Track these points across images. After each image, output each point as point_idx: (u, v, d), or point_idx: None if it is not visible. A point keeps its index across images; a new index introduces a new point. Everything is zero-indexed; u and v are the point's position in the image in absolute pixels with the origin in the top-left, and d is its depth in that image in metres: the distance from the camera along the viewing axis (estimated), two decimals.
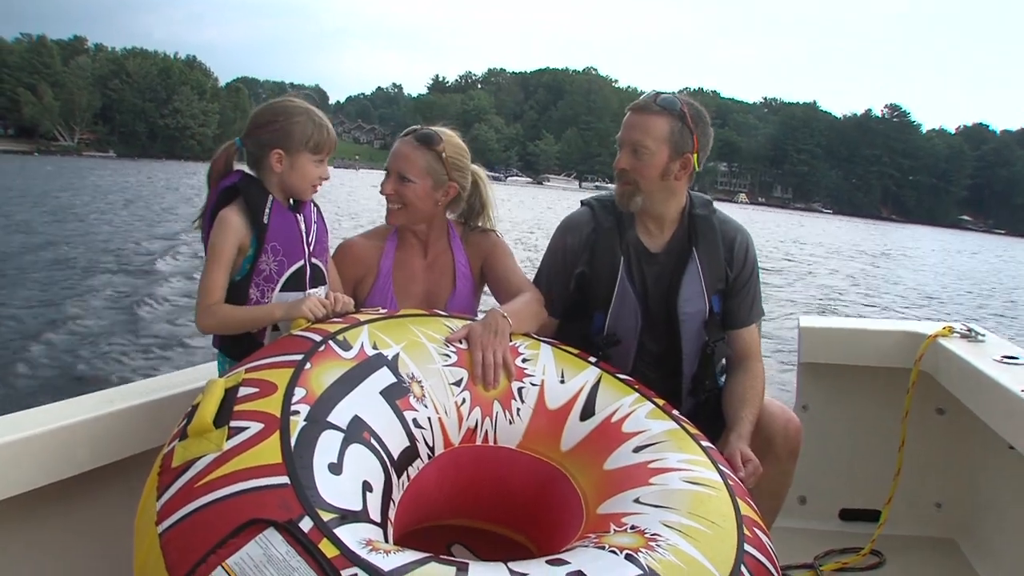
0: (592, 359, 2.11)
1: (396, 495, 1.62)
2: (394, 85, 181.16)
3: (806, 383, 3.12)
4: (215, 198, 2.07)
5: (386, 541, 1.45)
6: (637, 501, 1.68)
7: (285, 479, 1.39)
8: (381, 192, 2.32)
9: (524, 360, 2.01)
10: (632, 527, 1.59)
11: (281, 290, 2.06)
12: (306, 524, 1.32)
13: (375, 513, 1.48)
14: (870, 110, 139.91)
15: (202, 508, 1.36)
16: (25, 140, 73.83)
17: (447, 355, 1.92)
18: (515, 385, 1.95)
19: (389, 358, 1.81)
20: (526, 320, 2.15)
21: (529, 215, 37.12)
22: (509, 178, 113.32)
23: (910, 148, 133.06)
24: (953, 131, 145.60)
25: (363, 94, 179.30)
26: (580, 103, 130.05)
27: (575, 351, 2.13)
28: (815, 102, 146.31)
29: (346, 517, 1.38)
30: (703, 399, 2.37)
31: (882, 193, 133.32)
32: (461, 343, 1.96)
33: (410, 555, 1.35)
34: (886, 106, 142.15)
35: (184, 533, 1.34)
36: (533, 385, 1.97)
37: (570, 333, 2.30)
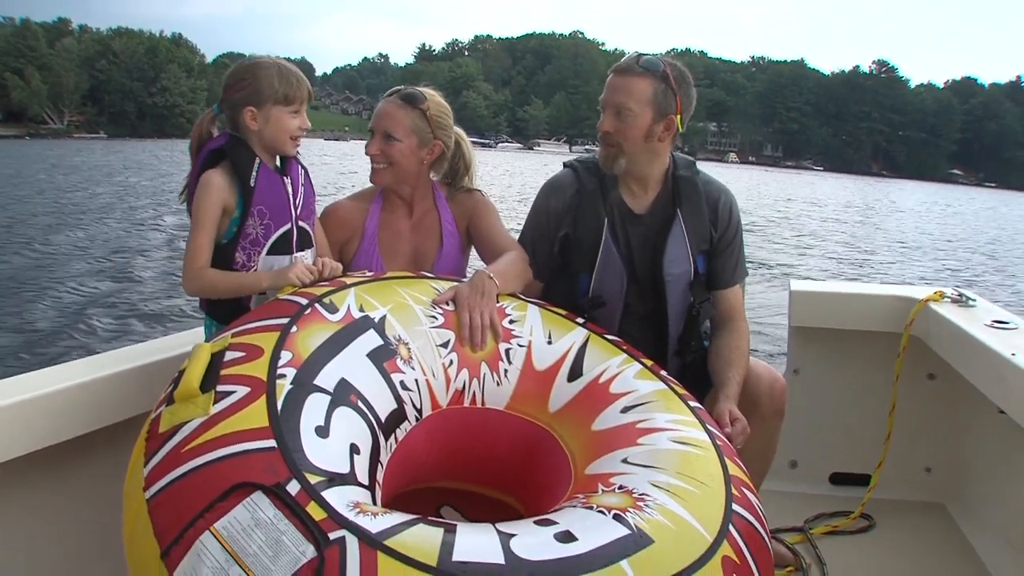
0: (580, 320, 2.11)
1: (384, 457, 1.62)
2: (380, 55, 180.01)
3: (797, 347, 3.13)
4: (201, 161, 2.05)
5: (374, 503, 1.45)
6: (625, 461, 1.69)
7: (272, 443, 1.38)
8: (366, 153, 2.31)
9: (511, 321, 2.01)
10: (620, 487, 1.60)
11: (268, 253, 2.05)
12: (293, 487, 1.32)
13: (363, 476, 1.48)
14: (858, 67, 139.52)
15: (189, 473, 1.36)
16: (14, 124, 73.06)
17: (434, 317, 1.91)
18: (502, 346, 1.95)
19: (376, 320, 1.80)
20: (512, 280, 2.14)
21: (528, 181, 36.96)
22: (499, 144, 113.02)
23: (899, 104, 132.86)
24: (942, 85, 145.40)
25: (349, 65, 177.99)
26: (568, 67, 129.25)
27: (563, 312, 2.12)
28: (803, 60, 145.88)
29: (333, 480, 1.38)
30: (689, 360, 2.38)
31: (872, 149, 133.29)
32: (448, 305, 1.96)
33: (398, 517, 1.35)
34: (874, 62, 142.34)
35: (172, 498, 1.34)
36: (520, 346, 1.96)
37: (555, 295, 2.29)
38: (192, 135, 2.11)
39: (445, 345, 1.88)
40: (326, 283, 1.92)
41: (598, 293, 2.31)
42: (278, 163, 2.12)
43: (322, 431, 1.47)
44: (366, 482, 1.48)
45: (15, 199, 20.81)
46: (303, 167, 2.18)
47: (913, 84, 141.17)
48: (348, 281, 1.93)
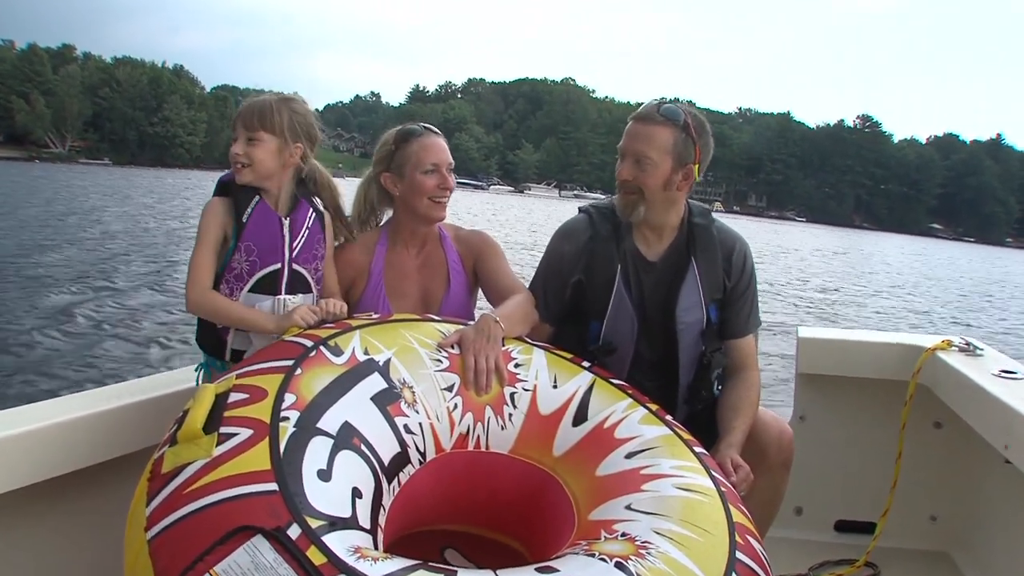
0: (586, 364, 2.10)
1: (387, 501, 1.62)
2: (372, 93, 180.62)
3: (804, 394, 3.12)
4: (215, 190, 2.14)
5: (375, 548, 1.45)
6: (629, 508, 1.68)
7: (274, 486, 1.39)
8: (443, 188, 2.34)
9: (517, 365, 2.00)
10: (623, 534, 1.59)
11: (251, 291, 2.07)
12: (294, 531, 1.32)
13: (364, 520, 1.47)
14: (843, 120, 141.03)
15: (191, 515, 1.36)
16: (15, 147, 74.18)
17: (439, 360, 1.91)
18: (507, 390, 1.94)
19: (380, 363, 1.80)
20: (518, 323, 2.14)
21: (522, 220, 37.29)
22: (491, 186, 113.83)
23: (882, 158, 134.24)
24: (924, 141, 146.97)
25: (341, 102, 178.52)
26: (559, 113, 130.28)
27: (568, 356, 2.12)
28: (789, 112, 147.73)
29: (335, 524, 1.38)
30: (698, 408, 2.35)
31: (854, 202, 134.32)
32: (453, 348, 1.96)
33: (399, 562, 1.34)
34: (858, 117, 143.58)
35: (172, 539, 1.34)
36: (526, 390, 1.96)
37: (565, 341, 2.28)
38: None
39: (450, 389, 1.88)
40: (331, 325, 1.92)
41: (609, 340, 2.29)
42: (293, 203, 2.15)
43: (324, 475, 1.47)
44: (368, 526, 1.47)
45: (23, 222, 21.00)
46: (317, 211, 2.20)
47: (896, 139, 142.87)
48: (353, 324, 1.93)
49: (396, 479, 1.68)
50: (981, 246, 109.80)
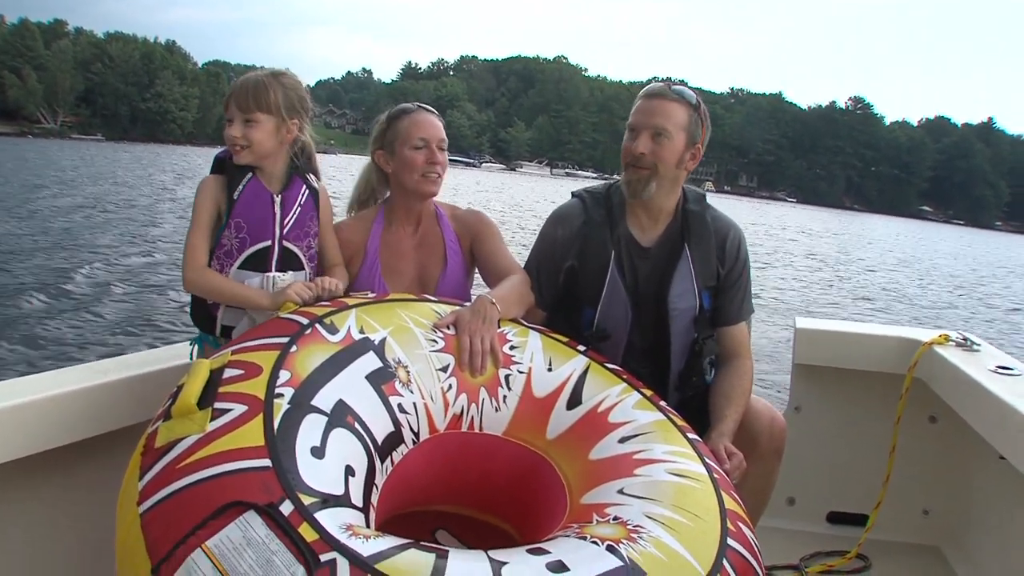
0: (581, 348, 2.10)
1: (379, 480, 1.62)
2: (364, 70, 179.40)
3: (799, 384, 3.13)
4: (212, 167, 2.13)
5: (368, 526, 1.45)
6: (621, 492, 1.68)
7: (267, 462, 1.39)
8: (432, 164, 2.33)
9: (512, 347, 2.00)
10: (615, 518, 1.59)
11: (240, 268, 2.07)
12: (286, 507, 1.32)
13: (357, 498, 1.48)
14: (835, 102, 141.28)
15: (183, 489, 1.36)
16: (6, 122, 73.69)
17: (434, 340, 1.91)
18: (502, 372, 1.94)
19: (376, 342, 1.80)
20: (514, 305, 2.14)
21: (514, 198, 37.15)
22: (483, 164, 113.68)
23: (873, 140, 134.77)
24: (915, 123, 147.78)
25: (332, 78, 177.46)
26: (551, 91, 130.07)
27: (564, 339, 2.12)
28: (781, 93, 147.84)
29: (327, 501, 1.38)
30: (689, 395, 2.35)
31: (845, 183, 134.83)
32: (448, 329, 1.95)
33: (390, 540, 1.35)
34: (850, 98, 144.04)
35: (165, 514, 1.35)
36: (520, 372, 1.96)
37: (558, 326, 2.27)
38: None
39: (444, 369, 1.88)
40: (327, 303, 1.92)
41: (602, 326, 2.29)
42: (287, 179, 2.14)
43: (318, 452, 1.47)
44: (360, 504, 1.48)
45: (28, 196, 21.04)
46: (312, 188, 2.19)
47: (888, 121, 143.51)
48: (350, 302, 1.93)
49: (389, 458, 1.68)
50: (971, 229, 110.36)
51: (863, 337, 3.07)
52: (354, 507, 1.44)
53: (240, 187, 2.07)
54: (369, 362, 1.74)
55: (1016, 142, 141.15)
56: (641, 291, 2.31)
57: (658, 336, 2.31)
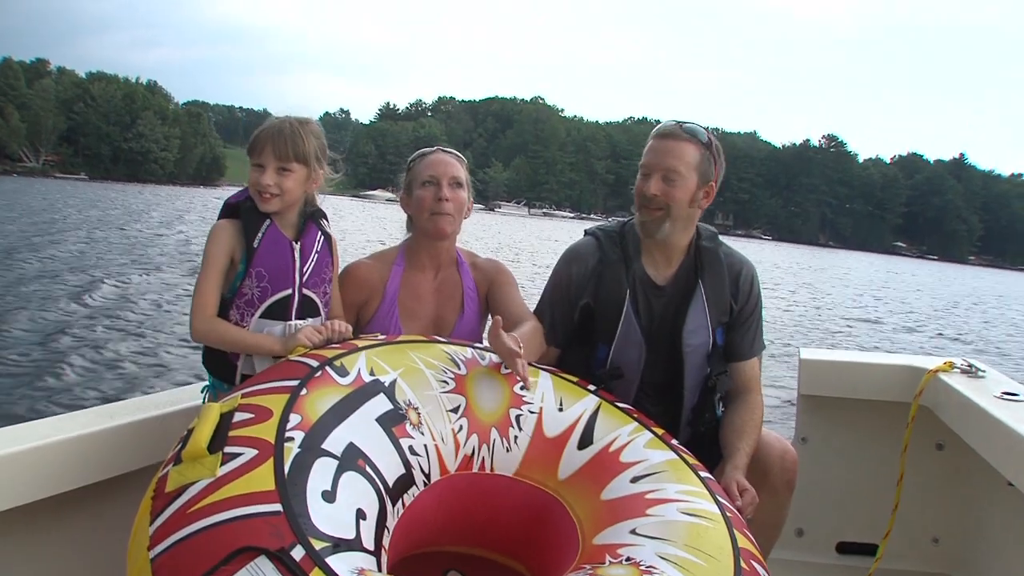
0: (591, 387, 2.10)
1: (391, 522, 1.61)
2: (341, 110, 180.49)
3: (805, 415, 3.12)
4: (221, 212, 2.10)
5: (379, 569, 1.44)
6: (634, 532, 1.68)
7: (278, 506, 1.38)
8: (439, 200, 2.29)
9: (523, 388, 2.00)
10: (628, 559, 1.58)
11: (262, 316, 2.05)
12: (298, 552, 1.31)
13: (368, 541, 1.47)
14: (808, 140, 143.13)
15: (194, 534, 1.35)
16: None
17: (445, 382, 1.91)
18: (513, 412, 1.94)
19: (386, 384, 1.80)
20: (531, 351, 2.14)
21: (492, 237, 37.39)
22: None
23: (847, 177, 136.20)
24: (888, 161, 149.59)
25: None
26: (528, 132, 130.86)
27: (574, 379, 2.11)
28: (755, 132, 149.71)
29: (339, 545, 1.38)
30: (702, 431, 2.35)
31: (820, 220, 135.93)
32: (460, 368, 1.96)
33: None
34: (824, 136, 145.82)
35: (175, 559, 1.34)
36: (531, 413, 1.96)
37: (571, 363, 2.28)
38: None
39: (455, 410, 1.87)
40: (337, 346, 1.92)
41: (616, 364, 2.28)
42: (300, 226, 2.13)
43: (329, 496, 1.47)
44: (372, 548, 1.47)
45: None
46: (325, 234, 2.18)
47: (861, 158, 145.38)
48: (359, 344, 1.93)
49: (400, 500, 1.67)
50: (944, 264, 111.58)
51: (868, 367, 3.07)
52: (365, 550, 1.44)
53: (260, 234, 2.05)
54: (379, 404, 1.74)
55: (988, 177, 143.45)
56: (656, 329, 2.31)
57: (671, 373, 2.31)
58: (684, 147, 2.22)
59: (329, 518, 1.42)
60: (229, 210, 2.10)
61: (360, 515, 1.50)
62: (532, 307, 2.43)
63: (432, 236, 2.35)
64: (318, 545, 1.34)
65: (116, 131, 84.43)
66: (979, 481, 2.84)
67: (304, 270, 2.10)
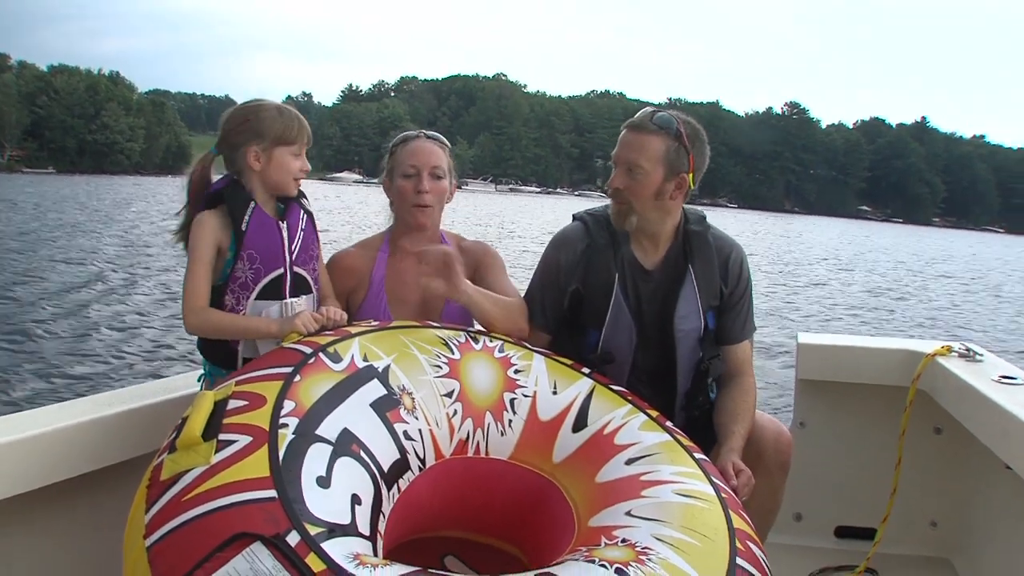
0: (585, 370, 2.10)
1: (386, 508, 1.61)
2: (304, 93, 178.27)
3: (803, 399, 3.12)
4: (202, 204, 2.08)
5: (375, 555, 1.45)
6: (629, 514, 1.68)
7: (272, 493, 1.39)
8: (419, 192, 2.31)
9: (516, 371, 2.00)
10: (623, 540, 1.59)
11: (258, 298, 2.06)
12: (293, 538, 1.32)
13: (364, 526, 1.48)
14: (771, 108, 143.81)
15: (189, 522, 1.36)
16: None
17: (439, 366, 1.91)
18: (507, 396, 1.94)
19: (380, 370, 1.80)
20: (500, 307, 2.18)
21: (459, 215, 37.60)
22: None
23: (810, 143, 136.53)
24: (851, 126, 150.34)
25: None
26: (492, 109, 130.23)
27: (568, 362, 2.12)
28: (718, 101, 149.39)
29: (334, 531, 1.38)
30: (696, 415, 2.35)
31: (784, 187, 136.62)
32: (454, 353, 1.96)
33: (398, 569, 1.35)
34: (786, 104, 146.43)
35: (171, 547, 1.35)
36: (525, 396, 1.96)
37: (562, 349, 2.27)
38: (192, 176, 2.14)
39: (449, 395, 1.87)
40: (331, 332, 1.92)
41: (607, 349, 2.29)
42: (280, 207, 2.14)
43: (323, 481, 1.47)
44: (367, 533, 1.48)
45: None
46: (307, 212, 2.19)
47: (824, 124, 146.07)
48: (353, 331, 1.92)
49: (396, 485, 1.67)
50: (909, 226, 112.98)
51: (866, 351, 3.07)
52: (361, 536, 1.44)
53: (246, 217, 2.05)
54: (373, 390, 1.74)
55: (950, 140, 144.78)
56: (645, 313, 2.31)
57: (663, 357, 2.32)
58: (649, 140, 2.21)
59: (324, 504, 1.42)
60: (209, 200, 2.08)
61: (355, 500, 1.50)
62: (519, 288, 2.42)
63: (413, 228, 2.37)
64: (313, 531, 1.35)
65: (81, 123, 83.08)
66: (977, 465, 2.84)
67: (293, 248, 2.11)
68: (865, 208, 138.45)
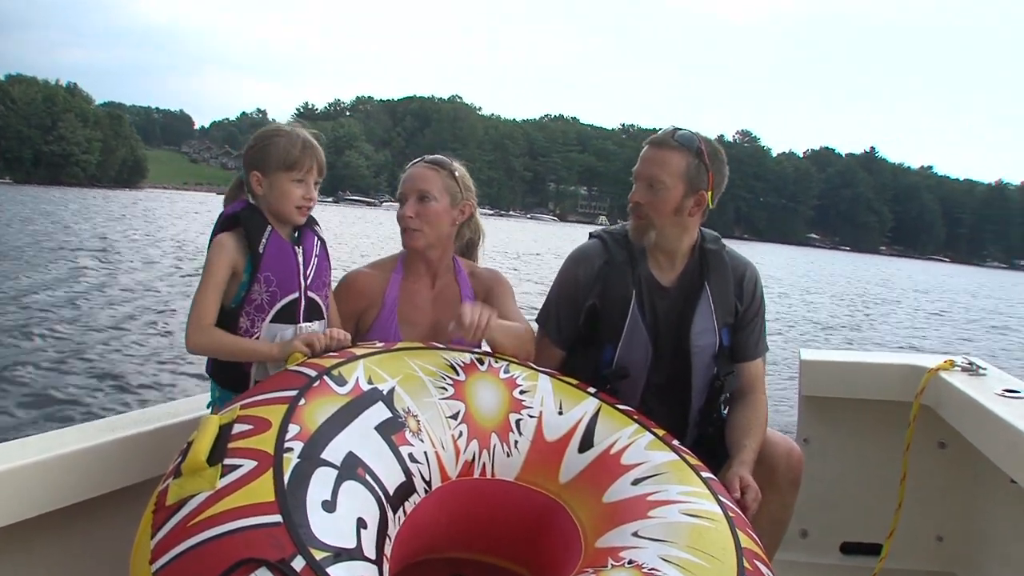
0: (591, 390, 2.10)
1: (392, 531, 1.60)
2: (258, 110, 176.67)
3: (807, 416, 3.12)
4: (219, 224, 2.09)
5: None
6: (636, 535, 1.68)
7: (278, 517, 1.38)
8: (402, 217, 2.34)
9: (522, 391, 2.00)
10: (630, 561, 1.58)
11: (272, 321, 2.05)
12: (298, 563, 1.31)
13: (370, 550, 1.46)
14: (723, 135, 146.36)
15: (195, 547, 1.36)
16: None
17: (444, 388, 1.90)
18: (512, 417, 1.94)
19: (384, 392, 1.79)
20: (511, 338, 2.17)
21: None
22: (383, 203, 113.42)
23: (761, 171, 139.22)
24: (801, 154, 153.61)
25: (228, 119, 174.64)
26: (447, 130, 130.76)
27: (574, 382, 2.12)
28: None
29: (340, 555, 1.37)
30: (709, 431, 2.36)
31: (735, 214, 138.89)
32: (459, 375, 1.96)
33: None
34: (738, 132, 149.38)
35: (177, 572, 1.35)
36: (531, 417, 1.96)
37: (578, 365, 2.29)
38: (227, 195, 2.18)
39: (455, 416, 1.87)
40: (335, 355, 1.91)
41: (622, 364, 2.30)
42: (296, 233, 2.14)
43: (329, 505, 1.46)
44: (373, 557, 1.46)
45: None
46: (320, 238, 2.20)
47: (775, 153, 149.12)
48: (357, 352, 1.92)
49: (401, 508, 1.66)
50: (857, 254, 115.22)
51: (868, 366, 3.08)
52: (367, 560, 1.43)
53: (264, 240, 2.05)
54: (378, 413, 1.73)
55: (898, 170, 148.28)
56: (661, 329, 2.33)
57: (677, 374, 2.33)
58: (670, 156, 2.24)
59: (330, 528, 1.41)
60: (227, 222, 2.08)
61: (361, 524, 1.49)
62: (528, 314, 2.45)
63: (406, 249, 2.40)
64: (319, 555, 1.34)
65: (37, 134, 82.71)
66: (982, 479, 2.84)
67: (307, 273, 2.11)
68: (814, 236, 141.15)
